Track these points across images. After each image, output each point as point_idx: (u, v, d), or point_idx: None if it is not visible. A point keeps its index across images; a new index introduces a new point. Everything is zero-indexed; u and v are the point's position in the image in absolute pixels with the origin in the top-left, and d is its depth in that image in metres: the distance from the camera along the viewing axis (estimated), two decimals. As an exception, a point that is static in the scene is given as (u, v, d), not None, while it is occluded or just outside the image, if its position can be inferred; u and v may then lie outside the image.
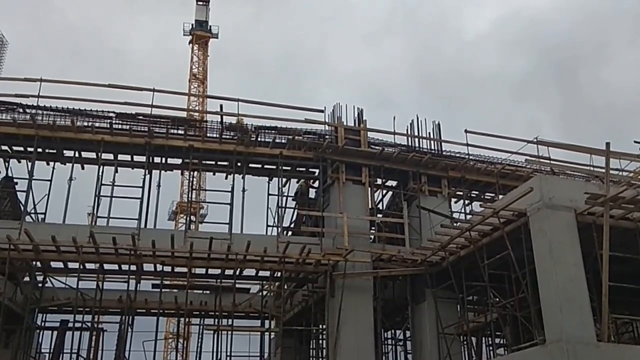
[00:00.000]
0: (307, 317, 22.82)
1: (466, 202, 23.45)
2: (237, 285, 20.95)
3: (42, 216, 19.94)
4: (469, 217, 21.54)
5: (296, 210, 23.20)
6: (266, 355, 23.74)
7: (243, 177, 21.31)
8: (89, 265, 19.60)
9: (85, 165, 21.08)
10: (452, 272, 18.51)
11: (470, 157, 23.05)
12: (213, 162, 21.99)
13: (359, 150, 21.80)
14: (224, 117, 21.47)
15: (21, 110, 20.47)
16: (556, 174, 21.91)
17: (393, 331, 24.14)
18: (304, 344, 25.14)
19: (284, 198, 21.60)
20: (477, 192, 23.79)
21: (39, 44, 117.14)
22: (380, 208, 23.43)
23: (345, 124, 22.19)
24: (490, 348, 21.44)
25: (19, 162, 20.78)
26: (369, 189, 21.81)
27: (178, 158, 21.52)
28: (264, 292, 24.25)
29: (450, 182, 22.64)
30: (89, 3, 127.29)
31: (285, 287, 22.12)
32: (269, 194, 21.52)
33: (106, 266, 19.78)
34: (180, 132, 21.21)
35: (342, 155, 21.54)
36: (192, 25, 62.97)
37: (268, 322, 24.31)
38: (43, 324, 22.53)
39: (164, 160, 21.41)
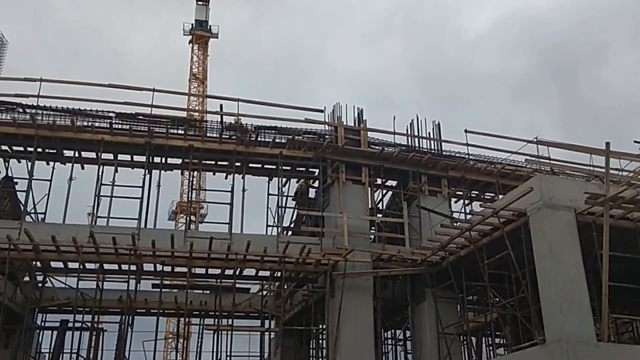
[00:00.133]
0: (307, 317, 22.86)
1: (466, 202, 23.52)
2: (237, 285, 21.01)
3: (42, 216, 19.97)
4: (469, 217, 21.59)
5: (296, 210, 23.24)
6: (266, 355, 23.75)
7: (243, 177, 21.33)
8: (89, 265, 19.61)
9: (85, 165, 21.10)
10: (452, 272, 18.54)
11: (470, 157, 23.09)
12: (213, 162, 22.01)
13: (359, 150, 21.83)
14: (224, 117, 21.51)
15: (21, 110, 20.50)
16: (556, 174, 21.95)
17: (393, 331, 24.18)
18: (304, 343, 25.18)
19: (284, 198, 21.67)
20: (477, 192, 23.83)
21: (39, 44, 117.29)
22: (380, 208, 23.46)
23: (345, 123, 22.22)
24: (490, 348, 21.48)
25: (19, 162, 20.81)
26: (369, 188, 21.84)
27: (178, 158, 21.54)
28: (264, 292, 24.30)
29: (450, 182, 22.67)
30: (88, 3, 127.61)
31: (285, 287, 22.13)
32: (269, 194, 21.57)
33: (106, 266, 19.80)
34: (180, 132, 21.23)
35: (342, 155, 21.56)
36: (192, 25, 63.05)
37: (268, 322, 24.33)
38: (43, 323, 22.57)
39: (163, 160, 21.43)
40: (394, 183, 23.21)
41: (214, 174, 23.13)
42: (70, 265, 19.42)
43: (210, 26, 63.35)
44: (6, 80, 22.44)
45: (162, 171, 21.23)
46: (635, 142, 18.59)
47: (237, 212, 20.35)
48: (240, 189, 20.87)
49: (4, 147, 20.65)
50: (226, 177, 21.67)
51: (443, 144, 23.44)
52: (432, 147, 23.28)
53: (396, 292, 22.32)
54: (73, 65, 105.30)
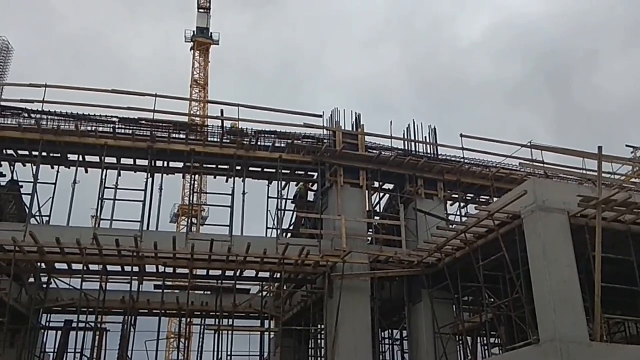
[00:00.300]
0: (306, 318, 23.05)
1: (462, 204, 23.66)
2: (237, 286, 21.17)
3: (47, 219, 20.03)
4: (464, 219, 21.78)
5: (295, 213, 23.28)
6: (266, 355, 23.91)
7: (243, 181, 21.38)
8: (92, 267, 19.71)
9: (89, 169, 21.20)
10: (448, 273, 18.76)
11: (466, 160, 23.28)
12: (214, 166, 22.11)
13: (357, 154, 21.98)
14: (224, 122, 21.67)
15: (26, 115, 20.55)
16: (550, 178, 21.96)
17: (390, 331, 24.40)
18: (303, 343, 25.36)
19: (284, 201, 21.71)
20: (472, 195, 23.90)
21: (44, 50, 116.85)
22: (378, 211, 23.62)
23: (343, 128, 22.35)
24: (486, 348, 21.43)
25: (24, 165, 20.80)
26: (367, 192, 22.02)
27: (180, 162, 21.56)
28: (264, 293, 24.47)
29: (446, 185, 22.83)
30: (91, 11, 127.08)
31: (285, 288, 22.33)
32: (268, 197, 21.66)
33: (109, 267, 19.90)
34: (182, 136, 21.31)
35: (340, 159, 21.72)
36: (194, 32, 63.06)
37: (268, 322, 24.53)
38: (48, 324, 22.86)
39: (166, 164, 21.45)
40: (391, 186, 23.35)
41: (215, 178, 23.17)
42: (75, 266, 19.54)
43: (211, 33, 63.37)
44: (12, 86, 22.63)
45: (164, 175, 21.29)
46: (627, 146, 18.94)
47: (237, 215, 20.47)
48: (241, 192, 20.97)
49: (10, 151, 20.73)
50: (227, 181, 21.78)
51: (439, 148, 23.61)
52: (429, 151, 23.43)
53: (393, 293, 22.53)
54: (77, 71, 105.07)
